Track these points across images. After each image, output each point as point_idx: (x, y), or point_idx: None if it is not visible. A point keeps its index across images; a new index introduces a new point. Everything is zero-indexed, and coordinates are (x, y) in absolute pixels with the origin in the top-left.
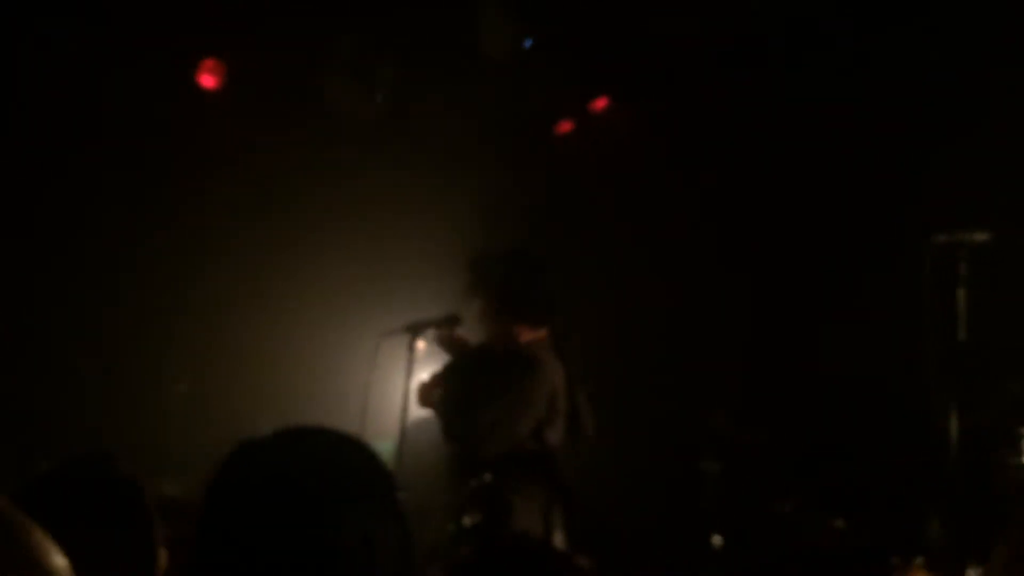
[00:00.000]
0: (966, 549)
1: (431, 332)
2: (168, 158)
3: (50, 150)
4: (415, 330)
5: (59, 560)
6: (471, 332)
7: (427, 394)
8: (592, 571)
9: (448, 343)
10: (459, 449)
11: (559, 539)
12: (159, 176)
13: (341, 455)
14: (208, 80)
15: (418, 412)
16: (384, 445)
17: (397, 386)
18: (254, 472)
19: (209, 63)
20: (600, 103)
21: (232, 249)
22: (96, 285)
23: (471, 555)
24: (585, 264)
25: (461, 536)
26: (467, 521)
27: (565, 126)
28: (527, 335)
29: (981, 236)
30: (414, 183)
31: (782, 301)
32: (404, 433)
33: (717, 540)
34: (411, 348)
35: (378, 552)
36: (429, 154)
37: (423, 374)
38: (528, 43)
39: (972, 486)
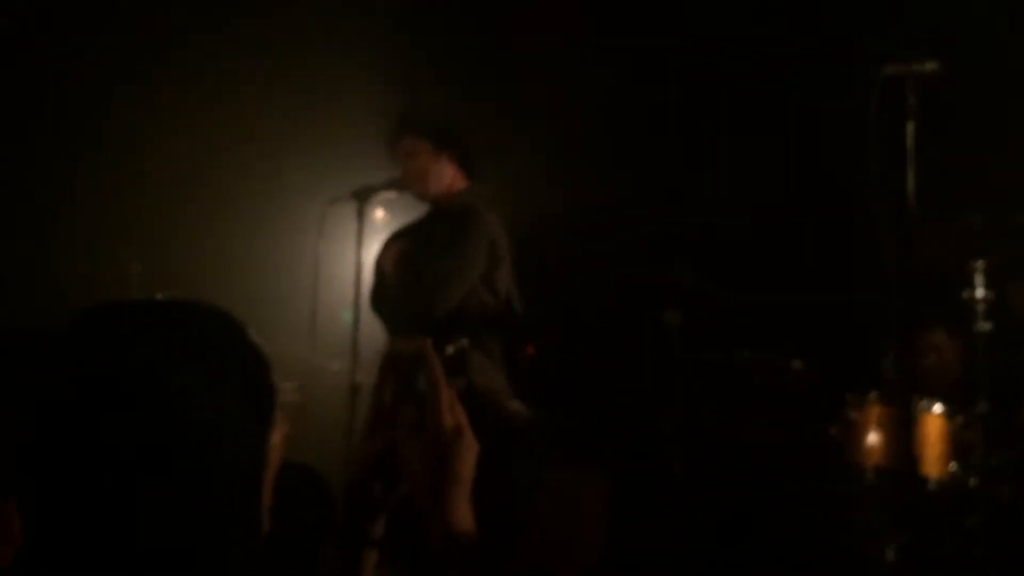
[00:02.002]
0: (914, 383)
1: (384, 199)
2: (107, 45)
3: None
4: (362, 196)
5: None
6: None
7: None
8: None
9: None
10: (413, 308)
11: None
12: (103, 64)
13: (203, 330)
14: None
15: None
16: (349, 315)
17: (350, 255)
18: (99, 336)
19: None
20: None
21: (177, 124)
22: (48, 167)
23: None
24: (541, 114)
25: None
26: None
27: None
28: (460, 183)
29: (931, 66)
30: (356, 45)
31: (735, 146)
32: (359, 302)
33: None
34: (360, 215)
35: (224, 436)
36: (372, 16)
37: (377, 242)
38: None
39: (924, 321)
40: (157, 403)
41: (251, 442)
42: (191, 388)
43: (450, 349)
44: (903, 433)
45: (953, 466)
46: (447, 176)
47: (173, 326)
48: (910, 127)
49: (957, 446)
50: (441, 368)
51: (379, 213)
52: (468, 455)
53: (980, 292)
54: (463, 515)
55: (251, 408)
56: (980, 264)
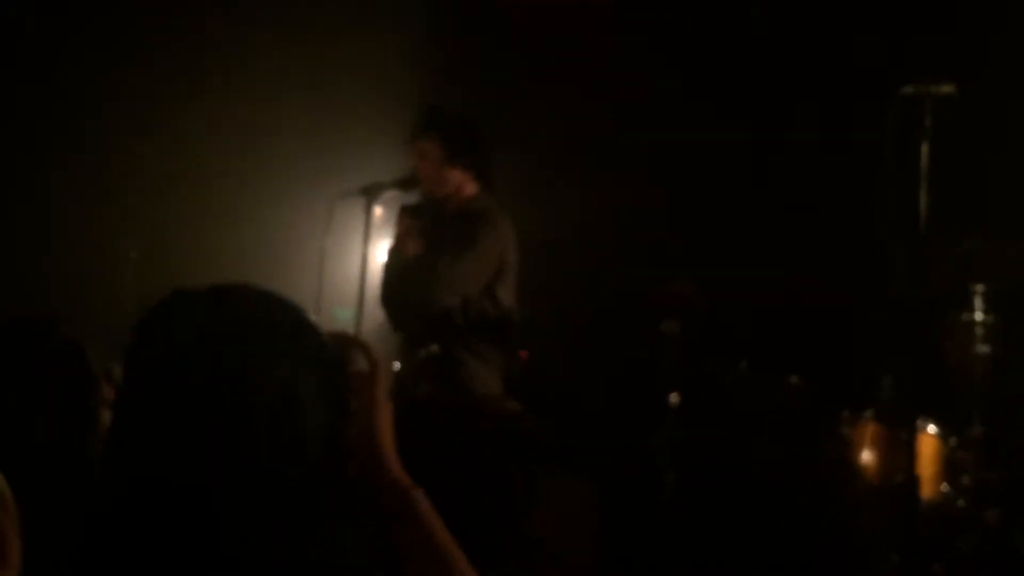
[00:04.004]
0: (915, 403)
1: (387, 198)
2: (111, 32)
3: None
4: (371, 193)
5: None
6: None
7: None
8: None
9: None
10: (411, 305)
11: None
12: (105, 48)
13: (266, 310)
14: None
15: (378, 280)
16: (344, 313)
17: (356, 252)
18: (176, 323)
19: None
20: None
21: (180, 113)
22: (48, 154)
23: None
24: (546, 126)
25: (415, 405)
26: (419, 391)
27: None
28: (470, 188)
29: (947, 88)
30: (363, 40)
31: (743, 158)
32: (363, 300)
33: (674, 398)
34: (368, 212)
35: (304, 407)
36: (386, 13)
37: (382, 240)
38: None
39: (924, 343)
40: (236, 382)
41: (329, 419)
42: (273, 366)
43: (422, 353)
44: (904, 451)
45: (945, 487)
46: (455, 180)
47: (249, 309)
48: (925, 148)
49: (950, 467)
50: (376, 354)
51: (378, 211)
52: (386, 409)
53: (979, 315)
54: (397, 462)
55: (327, 386)
56: (979, 288)
